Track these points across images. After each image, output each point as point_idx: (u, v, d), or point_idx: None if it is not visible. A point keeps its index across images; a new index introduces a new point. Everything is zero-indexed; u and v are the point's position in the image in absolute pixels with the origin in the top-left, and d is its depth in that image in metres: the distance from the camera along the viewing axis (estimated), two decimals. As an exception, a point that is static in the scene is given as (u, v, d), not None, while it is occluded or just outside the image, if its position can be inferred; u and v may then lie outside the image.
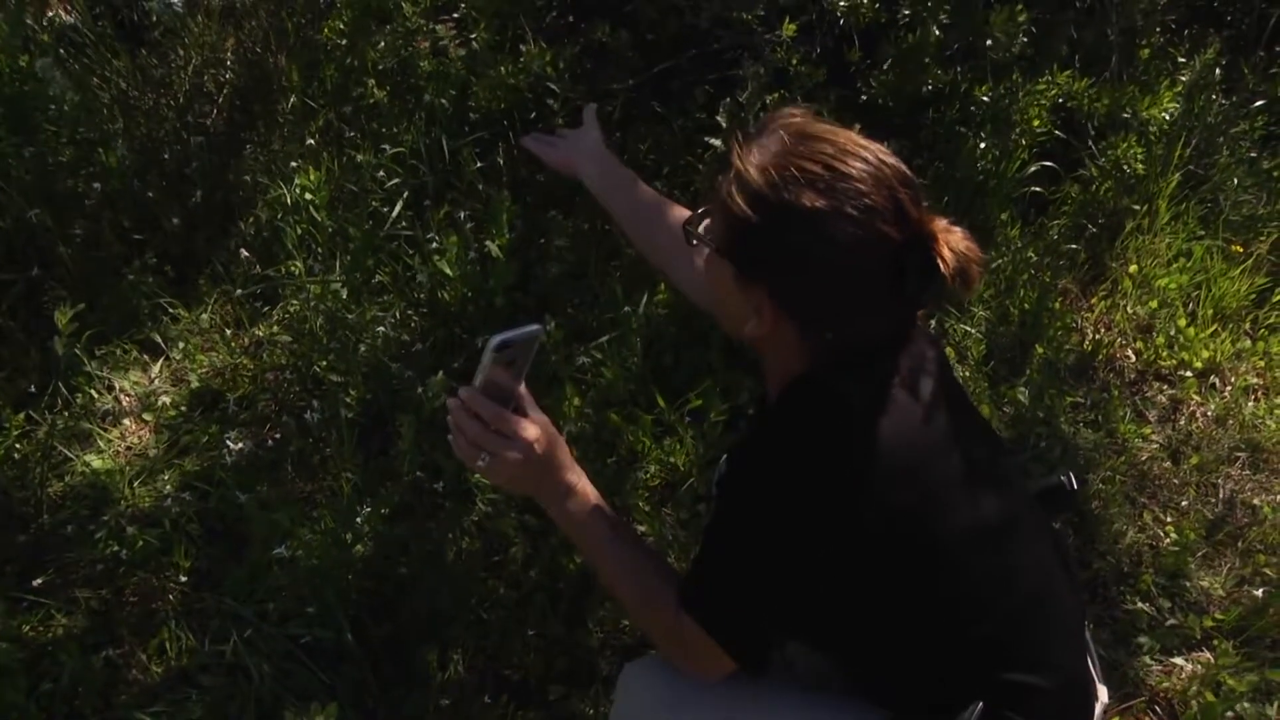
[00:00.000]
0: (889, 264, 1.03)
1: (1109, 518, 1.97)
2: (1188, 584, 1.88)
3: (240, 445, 1.98)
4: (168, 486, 2.00)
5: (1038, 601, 1.17)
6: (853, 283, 1.05)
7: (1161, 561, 1.91)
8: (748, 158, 1.07)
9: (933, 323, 2.32)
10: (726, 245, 1.11)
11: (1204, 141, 2.83)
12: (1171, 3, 2.89)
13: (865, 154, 1.05)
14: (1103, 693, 1.27)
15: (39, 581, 1.81)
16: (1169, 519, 2.01)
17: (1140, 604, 1.84)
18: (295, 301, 2.38)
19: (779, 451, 1.10)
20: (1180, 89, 2.78)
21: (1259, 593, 1.86)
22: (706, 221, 1.16)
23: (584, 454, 1.94)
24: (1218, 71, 2.91)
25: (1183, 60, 2.89)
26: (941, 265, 1.01)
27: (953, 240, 1.03)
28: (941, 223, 1.05)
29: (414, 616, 1.70)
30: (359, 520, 1.78)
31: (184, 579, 1.83)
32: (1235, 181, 2.66)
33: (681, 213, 1.47)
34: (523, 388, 1.15)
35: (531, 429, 1.13)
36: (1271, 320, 2.47)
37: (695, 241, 1.17)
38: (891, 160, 1.06)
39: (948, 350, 2.27)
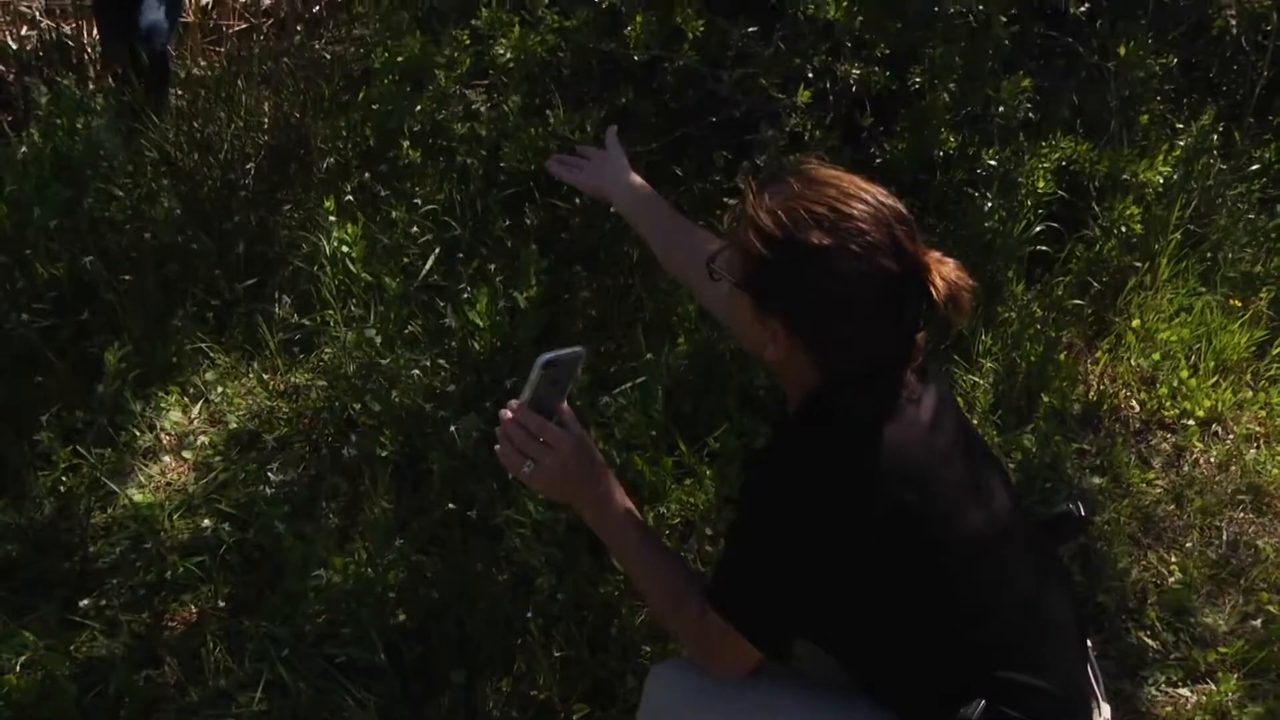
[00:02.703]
0: (889, 294, 1.16)
1: (1113, 556, 2.06)
2: (1192, 619, 1.97)
3: (281, 477, 2.10)
4: (206, 520, 2.12)
5: (1034, 608, 1.27)
6: (857, 311, 1.17)
7: (1165, 598, 2.00)
8: (761, 201, 1.21)
9: (944, 368, 2.44)
10: (744, 280, 1.24)
11: (1203, 203, 2.98)
12: (1169, 73, 3.06)
13: (866, 196, 1.19)
14: (1106, 710, 1.36)
15: (85, 603, 1.91)
16: (1173, 559, 2.10)
17: (1146, 638, 1.93)
18: (329, 349, 2.52)
19: (796, 460, 1.21)
20: (1179, 153, 2.93)
21: (1258, 622, 1.94)
22: (726, 257, 1.29)
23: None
24: (1215, 137, 3.08)
25: (1180, 126, 3.05)
26: (934, 293, 1.14)
27: (945, 270, 1.16)
28: (935, 255, 1.18)
29: (445, 640, 1.80)
30: (393, 551, 1.89)
31: (223, 604, 1.93)
32: (1234, 240, 2.80)
33: (706, 237, 1.60)
34: (565, 404, 1.27)
35: (571, 440, 1.25)
36: (1272, 371, 2.58)
37: (716, 277, 1.30)
38: (889, 201, 1.20)
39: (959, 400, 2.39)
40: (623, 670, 1.77)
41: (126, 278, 2.58)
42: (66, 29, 4.54)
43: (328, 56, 4.03)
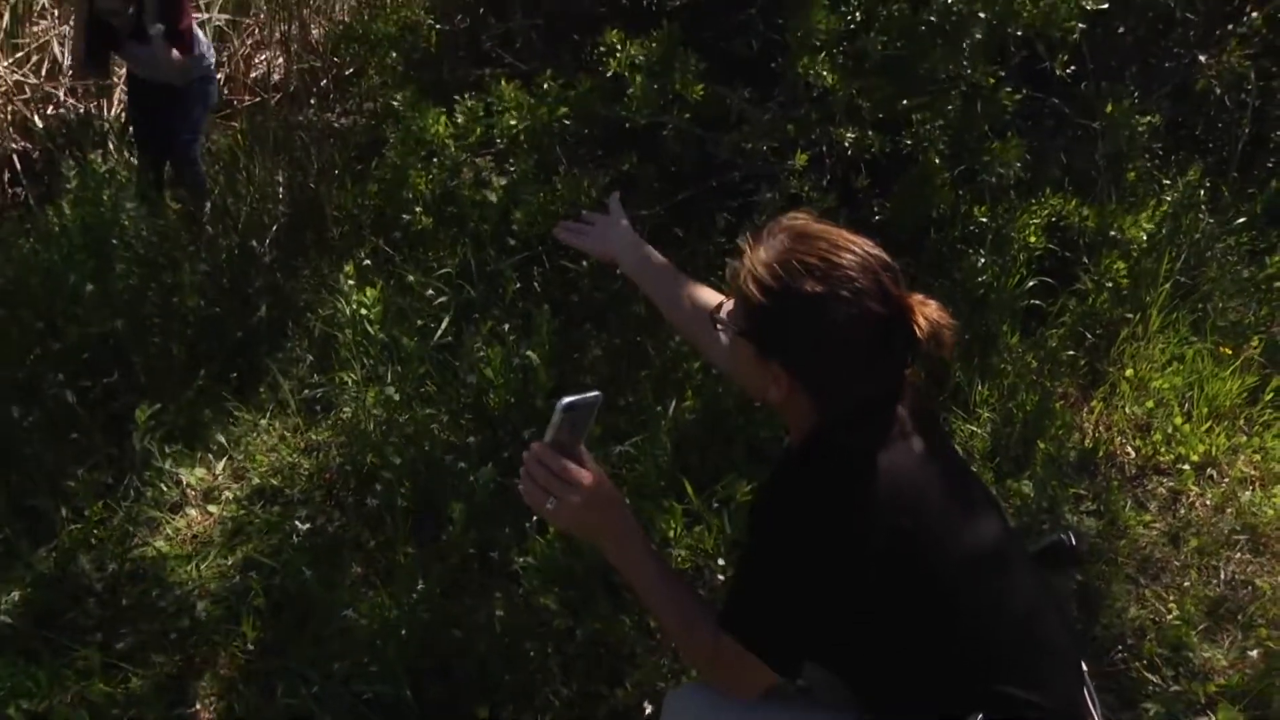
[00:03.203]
0: (878, 334, 1.29)
1: (1112, 595, 2.17)
2: (1190, 655, 2.06)
3: (306, 526, 2.22)
4: (233, 570, 2.24)
5: (1029, 628, 1.38)
6: (850, 351, 1.31)
7: (1164, 634, 2.10)
8: (757, 255, 1.35)
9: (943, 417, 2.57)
10: (746, 329, 1.38)
11: (1192, 256, 3.13)
12: (1155, 131, 3.24)
13: (854, 247, 1.33)
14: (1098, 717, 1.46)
15: (120, 646, 2.02)
16: (1171, 597, 2.20)
17: (1145, 671, 2.02)
18: (348, 408, 2.66)
19: (798, 492, 1.34)
20: (1166, 208, 3.10)
21: (1255, 654, 2.03)
22: (728, 310, 1.43)
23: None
24: (1202, 193, 3.24)
25: (1167, 182, 3.22)
26: (919, 331, 1.28)
27: (927, 311, 1.30)
28: (918, 298, 1.32)
29: (467, 676, 1.91)
30: (415, 593, 2.01)
31: (252, 647, 2.04)
32: (1223, 290, 2.95)
33: (709, 294, 1.74)
34: (583, 446, 1.40)
35: (590, 478, 1.38)
36: (1265, 416, 2.70)
37: (720, 327, 1.44)
38: (875, 251, 1.34)
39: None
40: (639, 702, 1.87)
41: (155, 340, 2.73)
42: (90, 108, 4.78)
43: (338, 126, 4.26)
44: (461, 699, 1.90)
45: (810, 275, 1.30)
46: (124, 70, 4.29)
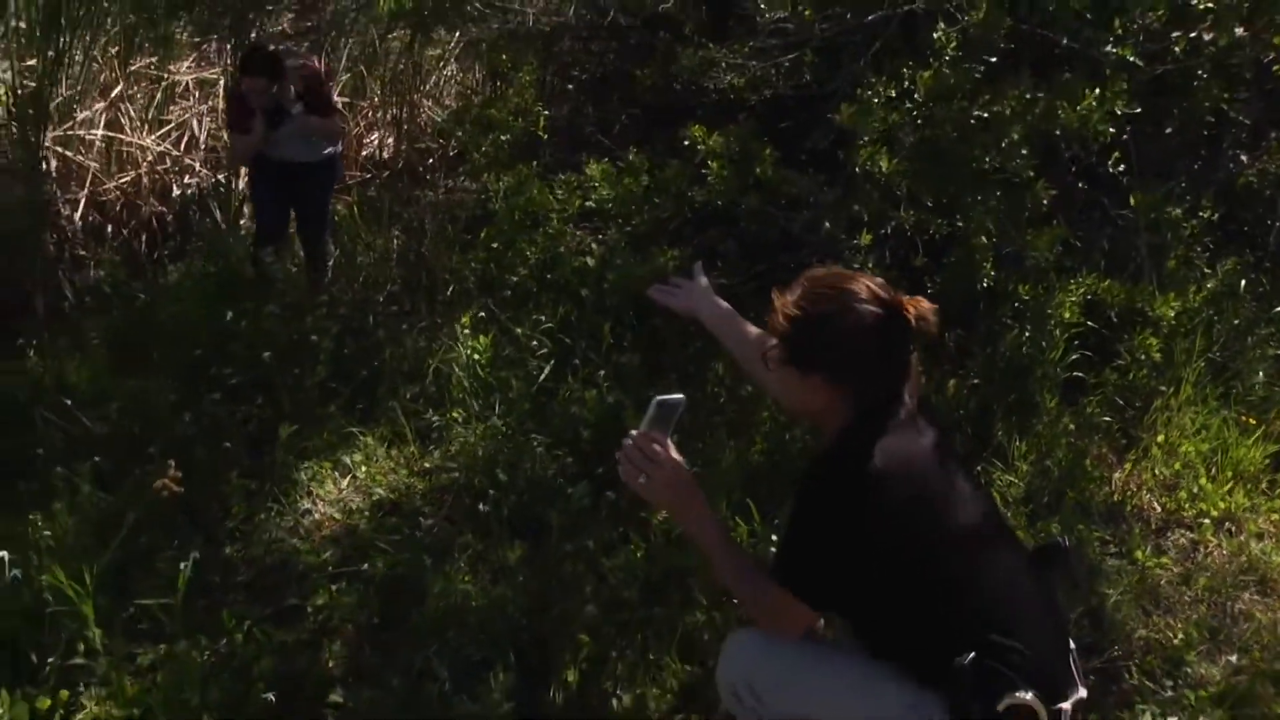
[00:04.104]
0: (882, 329, 1.82)
1: (1122, 620, 2.61)
2: (1189, 670, 2.49)
3: (430, 522, 2.80)
4: (358, 561, 2.81)
5: (1013, 589, 1.86)
6: (864, 346, 1.83)
7: (1167, 653, 2.53)
8: (786, 298, 1.91)
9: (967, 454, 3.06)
10: (787, 357, 1.93)
11: (1232, 339, 3.59)
12: (1207, 225, 3.73)
13: (854, 277, 1.88)
14: (1082, 692, 1.92)
15: (258, 619, 2.58)
16: (1178, 625, 2.63)
17: (1145, 681, 2.46)
18: (458, 441, 3.24)
19: (828, 475, 1.87)
20: (1205, 294, 3.58)
21: (1243, 661, 2.46)
22: (774, 348, 1.98)
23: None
24: (1243, 283, 3.72)
25: (1208, 270, 3.70)
26: (909, 317, 1.81)
27: (915, 304, 1.82)
28: (908, 297, 1.85)
29: (560, 648, 2.43)
30: (519, 581, 2.55)
31: (376, 621, 2.59)
32: (1251, 368, 3.40)
33: (768, 340, 2.30)
34: (669, 439, 1.95)
35: (674, 463, 1.92)
36: (1287, 481, 3.14)
37: (771, 365, 1.99)
38: (870, 277, 1.88)
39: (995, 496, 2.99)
40: (704, 676, 2.37)
41: (296, 371, 3.37)
42: (220, 178, 5.58)
43: (448, 201, 4.96)
44: (554, 665, 2.42)
45: (823, 299, 1.86)
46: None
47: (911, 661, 1.85)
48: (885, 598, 1.84)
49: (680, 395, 1.94)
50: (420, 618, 2.55)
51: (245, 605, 2.66)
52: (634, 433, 1.93)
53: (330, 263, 4.43)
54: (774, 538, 2.74)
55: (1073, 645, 1.96)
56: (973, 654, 1.79)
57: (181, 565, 2.38)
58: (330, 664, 2.50)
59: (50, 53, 4.52)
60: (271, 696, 2.21)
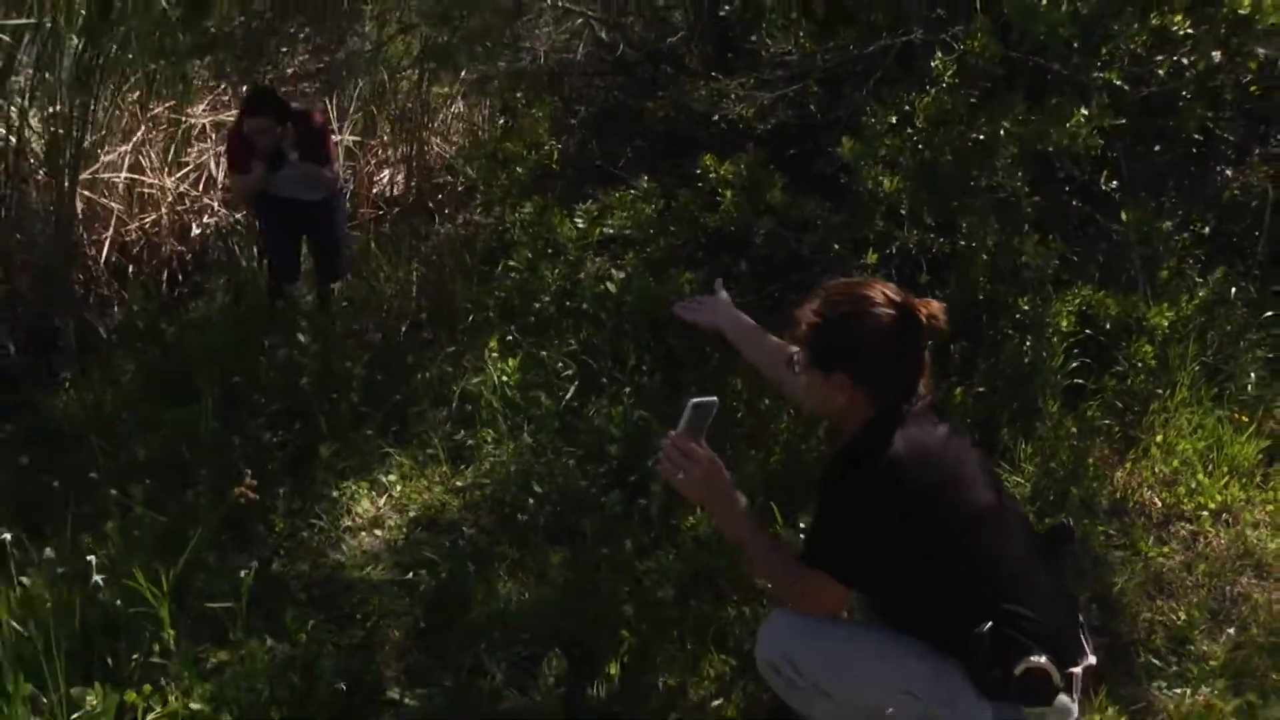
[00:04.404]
0: (896, 329, 2.04)
1: (1128, 604, 2.81)
2: (1192, 648, 2.69)
3: (471, 531, 3.00)
4: (402, 572, 3.00)
5: (1024, 564, 2.07)
6: (881, 344, 2.05)
7: (1170, 632, 2.74)
8: (808, 306, 2.14)
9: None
10: (811, 360, 2.14)
11: (1226, 344, 3.82)
12: (1199, 238, 3.97)
13: (869, 284, 2.11)
14: (1091, 659, 2.13)
15: (311, 624, 2.77)
16: (1181, 608, 2.84)
17: (1152, 659, 2.66)
18: (488, 460, 3.45)
19: (855, 462, 2.08)
20: (1197, 303, 3.80)
21: (1236, 633, 2.66)
22: (798, 354, 2.20)
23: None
24: (1234, 290, 3.95)
25: (1199, 280, 3.93)
26: (919, 316, 2.03)
27: (926, 304, 2.05)
28: (918, 299, 2.07)
29: (602, 646, 2.63)
30: (560, 583, 2.75)
31: (422, 624, 2.79)
32: (1244, 370, 3.63)
33: (790, 348, 2.52)
34: (702, 439, 2.16)
35: (709, 459, 2.14)
36: (1280, 475, 3.36)
37: (796, 369, 2.21)
38: (883, 283, 2.10)
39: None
40: (739, 665, 2.57)
41: (334, 395, 3.58)
42: (237, 216, 5.82)
43: (464, 234, 5.20)
44: (597, 660, 2.61)
45: (841, 305, 2.09)
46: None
47: (932, 632, 2.06)
48: (908, 573, 2.05)
49: (713, 398, 2.16)
50: (467, 621, 2.74)
51: (301, 611, 2.86)
52: (671, 434, 2.15)
53: (336, 288, 4.64)
54: (800, 537, 2.95)
55: (1081, 618, 2.17)
56: (990, 623, 1.99)
57: (242, 573, 2.58)
58: (383, 667, 2.69)
59: (79, 100, 4.76)
60: (343, 685, 2.39)
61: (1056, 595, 2.12)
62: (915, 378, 2.10)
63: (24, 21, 4.71)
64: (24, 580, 2.26)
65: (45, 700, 2.13)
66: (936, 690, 2.01)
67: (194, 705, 2.26)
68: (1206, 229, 4.14)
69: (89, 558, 2.20)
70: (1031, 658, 1.98)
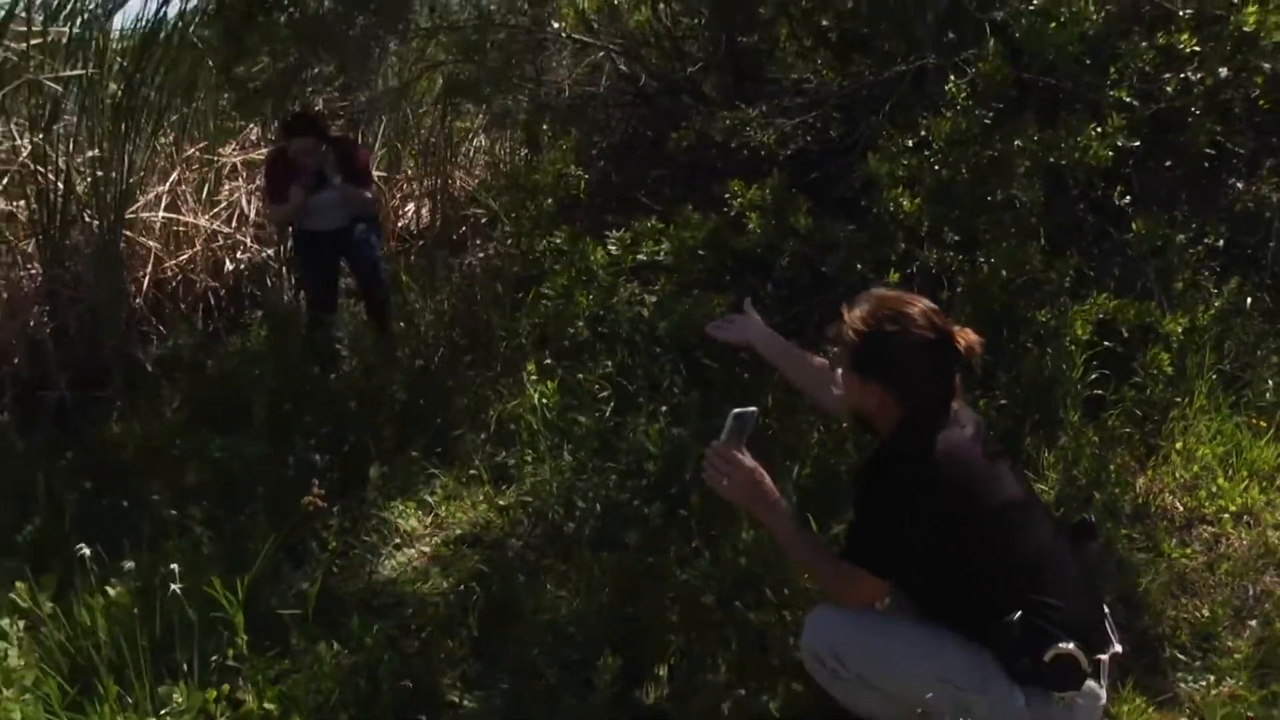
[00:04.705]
0: (934, 351, 2.22)
1: (1153, 602, 2.95)
2: (1217, 643, 2.83)
3: (519, 544, 3.17)
4: (452, 585, 3.17)
5: (1050, 557, 2.23)
6: (919, 363, 2.23)
7: (1195, 628, 2.87)
8: (853, 314, 2.31)
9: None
10: (851, 364, 2.32)
11: (1242, 353, 3.97)
12: (1212, 251, 4.13)
13: (914, 302, 2.27)
14: (1117, 646, 2.28)
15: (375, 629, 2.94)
16: (1205, 606, 2.98)
17: (1178, 654, 2.80)
18: (529, 479, 3.62)
19: (891, 461, 2.25)
20: (1213, 313, 3.96)
21: (1259, 628, 2.80)
22: (838, 357, 2.37)
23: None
24: (1250, 300, 4.10)
25: (1215, 290, 4.09)
26: (959, 346, 2.20)
27: (964, 334, 2.22)
28: (958, 326, 2.24)
29: (650, 650, 2.78)
30: (606, 592, 2.92)
31: (476, 634, 2.95)
32: (1260, 376, 3.77)
33: (818, 360, 2.69)
34: (743, 446, 2.33)
35: (750, 464, 2.31)
36: (1298, 478, 3.50)
37: (835, 366, 2.38)
38: (927, 303, 2.27)
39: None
40: (780, 666, 2.72)
41: (379, 419, 3.77)
42: (269, 252, 6.04)
43: (497, 264, 5.39)
44: (646, 664, 2.77)
45: (888, 319, 2.25)
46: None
47: (965, 622, 2.22)
48: (941, 567, 2.22)
49: (753, 408, 2.33)
50: (519, 629, 2.91)
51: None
52: (714, 442, 2.32)
53: (391, 315, 4.85)
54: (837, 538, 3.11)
55: (1106, 609, 2.32)
56: (1019, 613, 2.15)
57: (305, 585, 2.75)
58: (439, 674, 2.86)
59: (118, 145, 4.99)
60: (408, 683, 2.56)
61: (1082, 587, 2.28)
62: (947, 397, 2.27)
63: (72, 74, 4.96)
64: (108, 589, 2.43)
65: (130, 699, 2.31)
66: (971, 677, 2.17)
67: (267, 705, 2.42)
68: (1220, 241, 4.31)
69: (172, 566, 2.36)
70: (1060, 645, 2.14)
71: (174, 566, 2.34)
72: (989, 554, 2.20)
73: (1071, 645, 2.14)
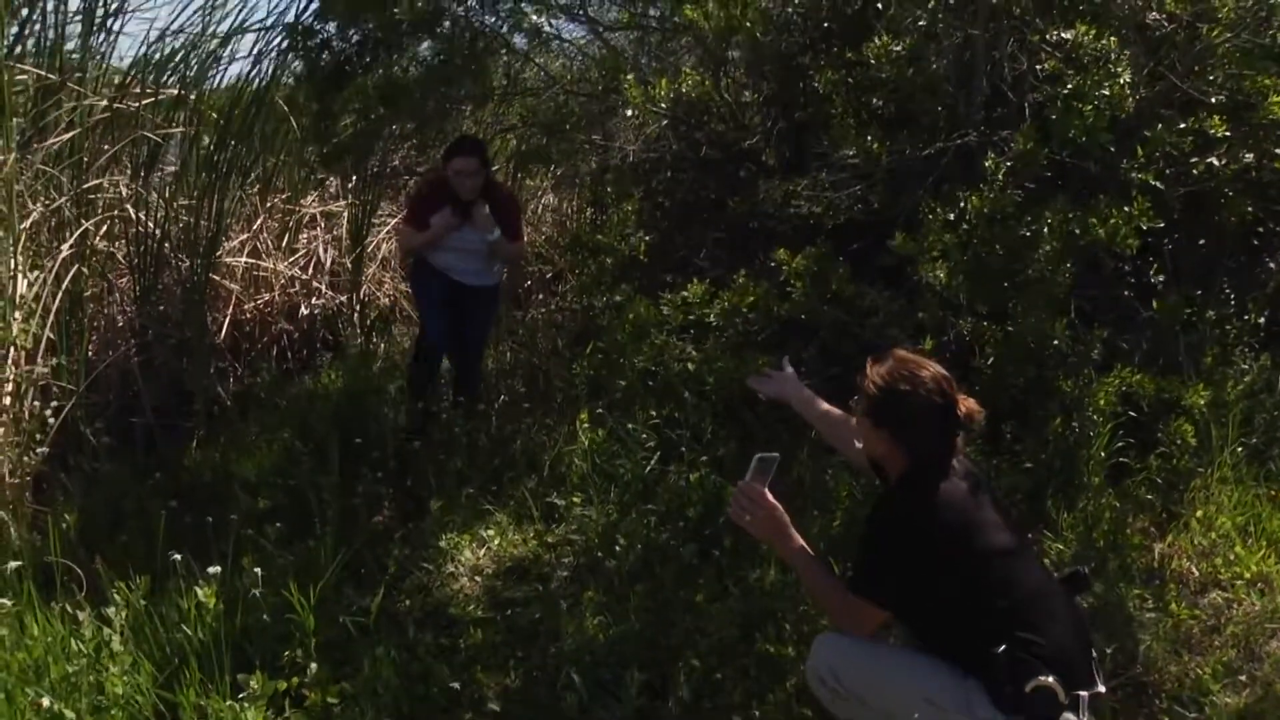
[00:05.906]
0: (940, 414, 2.57)
1: (1155, 655, 3.22)
2: (1213, 699, 3.09)
3: (564, 574, 3.54)
4: (500, 610, 3.55)
5: (1038, 598, 2.55)
6: (924, 423, 2.58)
7: (1195, 683, 3.14)
8: (875, 369, 2.67)
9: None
10: (866, 411, 2.68)
11: (1269, 428, 4.23)
12: (1253, 327, 4.42)
13: (928, 367, 2.63)
14: (1100, 687, 2.58)
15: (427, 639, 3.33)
16: (1207, 664, 3.24)
17: (1174, 705, 3.06)
18: (577, 519, 4.00)
19: (895, 505, 2.60)
20: (1243, 387, 4.24)
21: (1260, 691, 3.05)
22: (859, 401, 2.73)
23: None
24: (1280, 377, 4.38)
25: (1245, 366, 4.37)
26: (961, 413, 2.55)
27: (967, 402, 2.57)
28: (963, 396, 2.60)
29: (674, 670, 3.13)
30: (641, 615, 3.28)
31: (520, 654, 3.32)
32: (1282, 449, 4.05)
33: (850, 419, 3.04)
34: (766, 487, 2.70)
35: (772, 504, 2.67)
36: (1315, 550, 3.74)
37: (854, 410, 2.74)
38: (939, 368, 2.63)
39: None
40: (795, 693, 3.04)
41: (442, 456, 4.19)
42: (342, 298, 6.54)
43: (558, 320, 5.83)
44: (670, 684, 3.12)
45: (903, 380, 2.61)
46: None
47: (956, 652, 2.55)
48: (936, 601, 2.55)
49: (776, 453, 2.70)
50: (557, 650, 3.27)
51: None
52: (740, 483, 2.70)
53: (480, 385, 5.08)
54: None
55: (1094, 653, 2.63)
56: (1004, 646, 2.47)
57: (367, 601, 3.15)
58: (484, 684, 3.23)
59: (216, 196, 5.56)
60: (456, 685, 2.94)
61: (1070, 628, 2.59)
62: (947, 454, 2.63)
63: (175, 130, 5.55)
64: (197, 590, 2.85)
65: (211, 685, 2.72)
66: (956, 700, 2.49)
67: (329, 700, 2.82)
68: (1261, 319, 4.60)
69: (255, 570, 2.78)
70: (1040, 677, 2.45)
71: (257, 570, 2.74)
72: (980, 593, 2.53)
73: (1051, 679, 2.45)
